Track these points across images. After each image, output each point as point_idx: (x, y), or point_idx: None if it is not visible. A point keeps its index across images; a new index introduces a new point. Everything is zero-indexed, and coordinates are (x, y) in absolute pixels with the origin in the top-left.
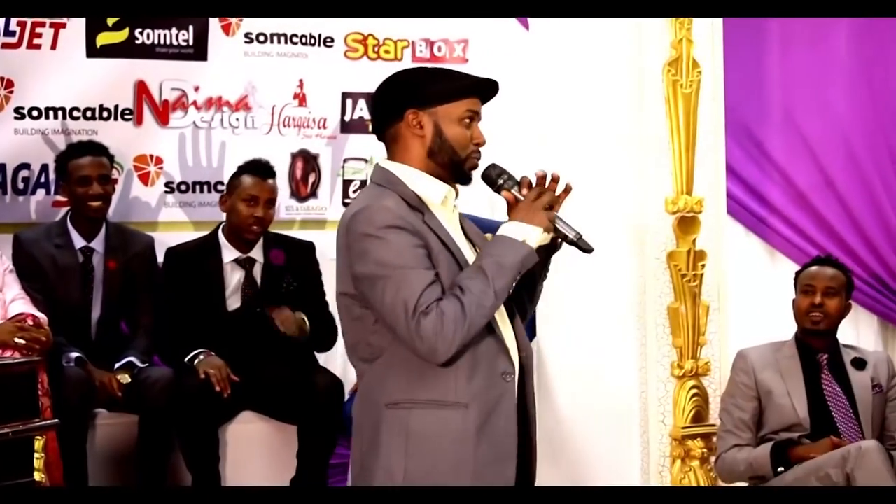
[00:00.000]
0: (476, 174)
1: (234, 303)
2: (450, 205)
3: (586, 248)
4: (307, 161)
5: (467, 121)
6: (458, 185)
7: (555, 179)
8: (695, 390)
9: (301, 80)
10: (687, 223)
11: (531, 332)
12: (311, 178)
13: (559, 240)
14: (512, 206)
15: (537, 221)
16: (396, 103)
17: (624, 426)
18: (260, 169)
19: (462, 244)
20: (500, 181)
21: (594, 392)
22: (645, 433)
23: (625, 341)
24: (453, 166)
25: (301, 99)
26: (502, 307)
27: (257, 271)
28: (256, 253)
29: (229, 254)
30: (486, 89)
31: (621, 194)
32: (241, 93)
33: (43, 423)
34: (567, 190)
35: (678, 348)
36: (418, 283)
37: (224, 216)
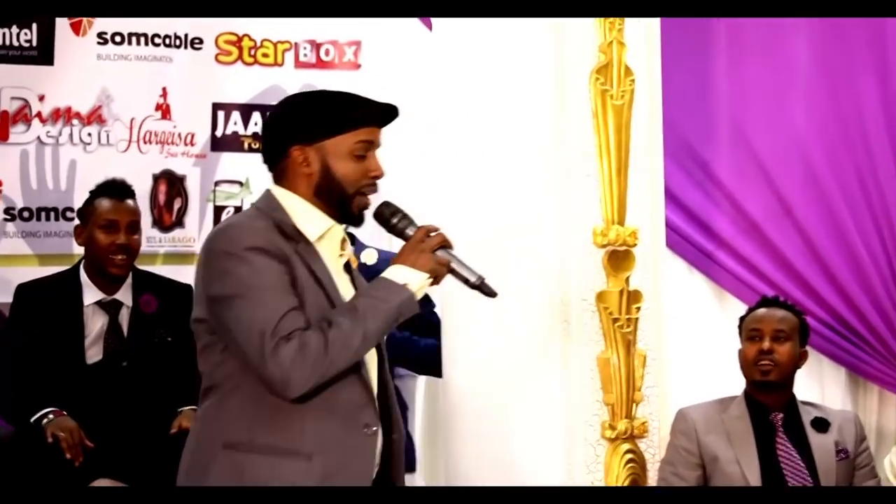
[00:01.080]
0: (370, 213)
1: (94, 354)
2: (334, 243)
3: (489, 293)
4: (172, 184)
5: (360, 153)
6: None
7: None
8: (630, 455)
9: (164, 89)
10: (619, 258)
11: (437, 371)
12: (177, 204)
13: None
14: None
15: (421, 265)
16: (280, 140)
17: None
18: (116, 190)
19: (342, 286)
20: (394, 220)
21: (510, 457)
22: None
23: (546, 397)
24: (340, 205)
25: (164, 110)
26: (374, 358)
27: (124, 317)
28: (124, 295)
29: (91, 294)
30: (381, 116)
31: (540, 224)
32: (94, 103)
33: None
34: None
35: (610, 405)
36: (279, 307)
37: (82, 251)
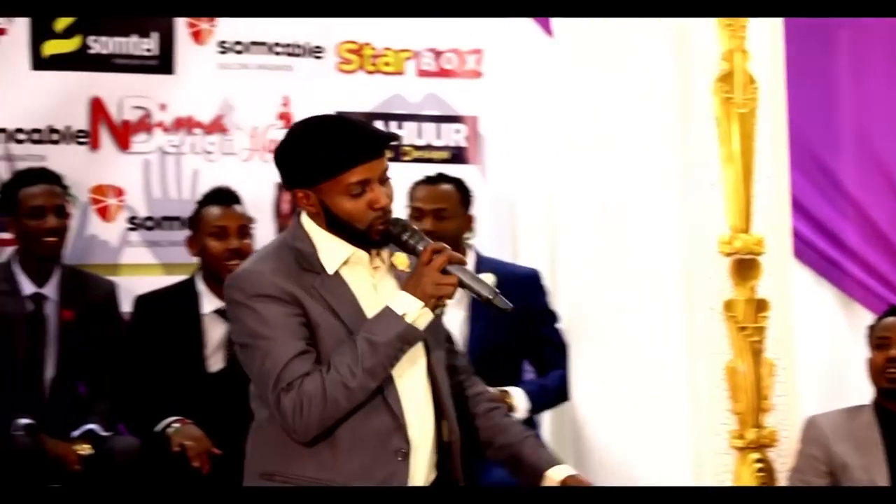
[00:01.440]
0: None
1: (215, 363)
2: (362, 265)
3: (503, 308)
4: None
5: (357, 191)
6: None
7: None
8: (759, 465)
9: (286, 98)
10: (745, 267)
11: (563, 395)
12: None
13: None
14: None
15: (421, 292)
16: (284, 181)
17: None
18: (222, 197)
19: (378, 303)
20: (404, 237)
21: (639, 467)
22: None
23: (674, 407)
24: (356, 237)
25: (286, 119)
26: (423, 379)
27: None
28: None
29: (210, 303)
30: (373, 150)
31: (666, 234)
32: (216, 112)
33: None
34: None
35: (738, 415)
36: (283, 355)
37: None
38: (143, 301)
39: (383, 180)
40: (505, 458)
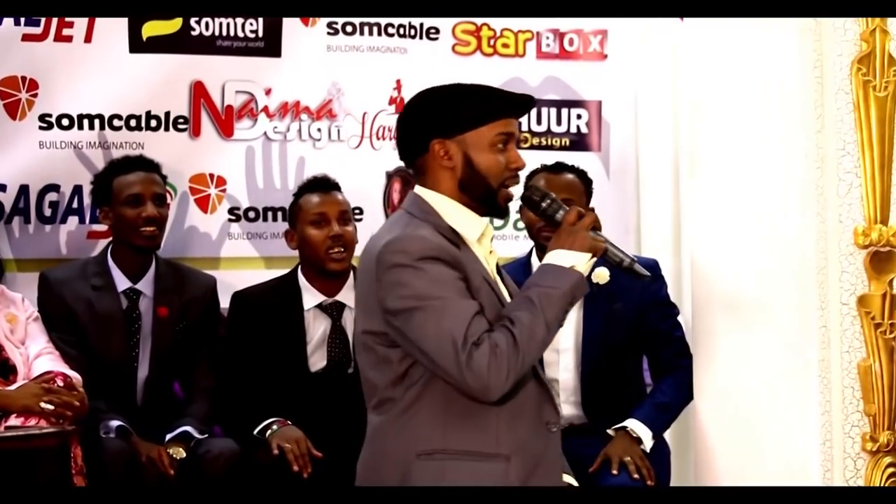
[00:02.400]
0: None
1: (317, 361)
2: (486, 242)
3: (640, 275)
4: (407, 182)
5: (500, 145)
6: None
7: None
8: (892, 469)
9: (399, 81)
10: (882, 260)
11: (684, 401)
12: None
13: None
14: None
15: (580, 245)
16: (420, 134)
17: None
18: (320, 184)
19: (501, 285)
20: (544, 204)
21: (764, 470)
22: None
23: (803, 408)
24: (486, 198)
25: (399, 104)
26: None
27: (347, 320)
28: (346, 296)
29: (311, 298)
30: (520, 107)
31: (797, 224)
32: (324, 96)
33: None
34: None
35: (871, 416)
36: (463, 313)
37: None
38: (240, 297)
39: (517, 145)
40: None
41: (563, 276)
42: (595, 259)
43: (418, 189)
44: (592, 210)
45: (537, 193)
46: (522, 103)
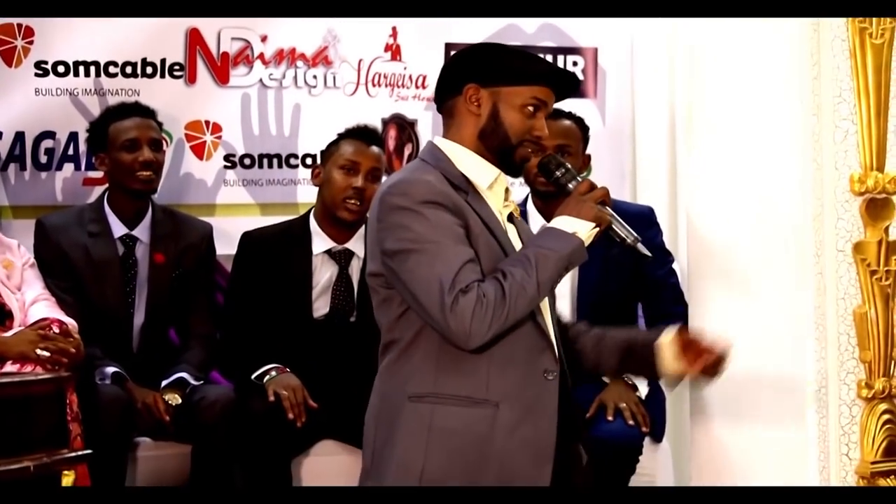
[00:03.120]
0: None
1: (320, 307)
2: (499, 193)
3: (644, 255)
4: (402, 128)
5: (531, 109)
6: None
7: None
8: (887, 416)
9: (394, 28)
10: (878, 207)
11: None
12: (408, 150)
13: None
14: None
15: (585, 214)
16: (458, 76)
17: (798, 460)
18: (365, 134)
19: (512, 235)
20: (559, 173)
21: (760, 418)
22: (825, 469)
23: (799, 355)
24: (502, 153)
25: (395, 51)
26: (547, 304)
27: (354, 269)
28: (356, 245)
29: (321, 243)
30: (561, 81)
31: (794, 172)
32: (320, 44)
33: (72, 454)
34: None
35: (867, 363)
36: (456, 259)
37: (306, 200)
38: (249, 238)
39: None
40: (616, 362)
41: (563, 239)
42: (599, 230)
43: (437, 139)
44: (605, 188)
45: (554, 162)
46: (566, 79)
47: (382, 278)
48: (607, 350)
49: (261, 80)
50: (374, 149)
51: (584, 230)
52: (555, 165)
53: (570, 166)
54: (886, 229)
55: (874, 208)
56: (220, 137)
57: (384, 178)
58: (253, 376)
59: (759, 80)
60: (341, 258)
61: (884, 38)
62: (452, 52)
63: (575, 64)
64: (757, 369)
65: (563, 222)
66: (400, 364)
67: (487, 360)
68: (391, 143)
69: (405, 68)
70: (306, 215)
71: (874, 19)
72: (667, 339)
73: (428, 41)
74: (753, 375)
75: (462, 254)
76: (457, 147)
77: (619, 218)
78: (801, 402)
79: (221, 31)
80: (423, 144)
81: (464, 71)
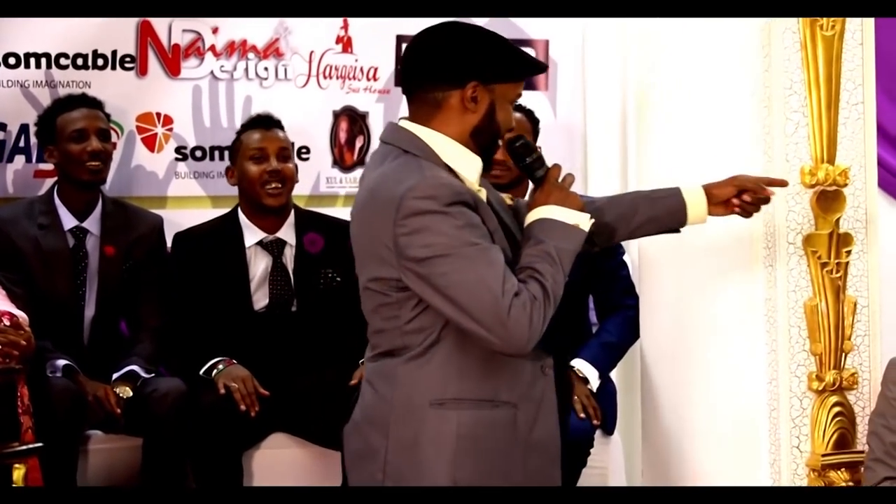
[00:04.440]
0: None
1: (260, 299)
2: (478, 184)
3: (589, 245)
4: (354, 121)
5: (514, 103)
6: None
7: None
8: (838, 408)
9: (346, 21)
10: (828, 199)
11: (630, 340)
12: (359, 143)
13: None
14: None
15: (574, 204)
16: (460, 70)
17: (749, 452)
18: (262, 121)
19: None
20: (529, 160)
21: (711, 409)
22: (776, 462)
23: (750, 347)
24: (488, 148)
25: (346, 43)
26: None
27: (288, 258)
28: (287, 233)
29: (252, 235)
30: (539, 72)
31: (744, 164)
32: (271, 35)
33: (23, 447)
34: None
35: (817, 356)
36: (498, 262)
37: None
38: (182, 237)
39: None
40: (644, 219)
41: (573, 235)
42: (593, 221)
43: (411, 125)
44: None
45: (523, 147)
46: (539, 70)
47: (394, 282)
48: (626, 208)
49: (212, 73)
50: (277, 131)
51: (584, 221)
52: (524, 149)
53: (539, 153)
54: (837, 222)
55: (825, 200)
56: (171, 129)
57: (372, 176)
58: (201, 371)
59: (710, 72)
60: (274, 248)
61: (834, 29)
62: (405, 45)
63: None
64: (707, 362)
65: (559, 213)
66: (415, 371)
67: (502, 362)
68: (343, 136)
69: (356, 60)
70: (234, 210)
71: None
72: (695, 188)
73: (379, 34)
74: (704, 368)
75: (500, 255)
76: (439, 137)
77: None
78: (752, 395)
79: (172, 24)
80: (374, 136)
81: (467, 66)
